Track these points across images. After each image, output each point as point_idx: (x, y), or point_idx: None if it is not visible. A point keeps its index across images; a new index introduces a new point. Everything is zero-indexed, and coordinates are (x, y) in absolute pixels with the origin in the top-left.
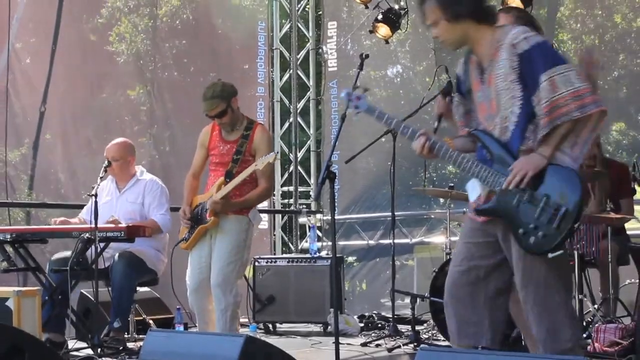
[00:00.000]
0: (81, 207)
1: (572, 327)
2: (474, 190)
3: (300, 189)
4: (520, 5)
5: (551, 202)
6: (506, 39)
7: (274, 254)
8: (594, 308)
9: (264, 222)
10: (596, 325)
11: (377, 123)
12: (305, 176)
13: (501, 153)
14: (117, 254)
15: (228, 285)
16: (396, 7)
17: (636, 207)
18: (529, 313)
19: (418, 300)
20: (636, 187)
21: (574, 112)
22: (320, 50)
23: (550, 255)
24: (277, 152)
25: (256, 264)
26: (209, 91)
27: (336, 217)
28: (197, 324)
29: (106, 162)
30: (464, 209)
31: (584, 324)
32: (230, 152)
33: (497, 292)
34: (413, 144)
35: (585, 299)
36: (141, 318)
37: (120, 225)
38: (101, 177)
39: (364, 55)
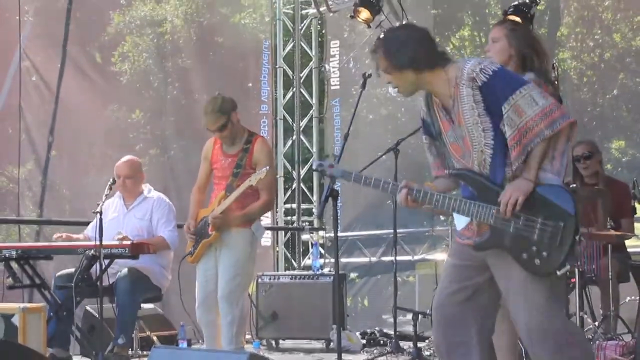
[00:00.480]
0: (86, 224)
1: (579, 344)
2: (461, 219)
3: (303, 206)
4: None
5: (547, 221)
6: (463, 74)
7: (277, 271)
8: (595, 325)
9: (267, 238)
10: (597, 342)
11: (379, 142)
12: (308, 193)
13: (486, 186)
14: (121, 271)
15: (234, 298)
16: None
17: (637, 225)
18: (531, 336)
19: (420, 316)
20: (636, 205)
21: (544, 131)
22: (323, 69)
23: (558, 272)
24: (268, 168)
25: (259, 280)
26: (209, 106)
27: (338, 234)
28: (203, 339)
29: (111, 179)
30: None
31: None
32: (231, 165)
33: (485, 310)
34: (397, 197)
35: (585, 316)
36: (145, 334)
37: (126, 241)
38: (106, 195)
39: (366, 75)
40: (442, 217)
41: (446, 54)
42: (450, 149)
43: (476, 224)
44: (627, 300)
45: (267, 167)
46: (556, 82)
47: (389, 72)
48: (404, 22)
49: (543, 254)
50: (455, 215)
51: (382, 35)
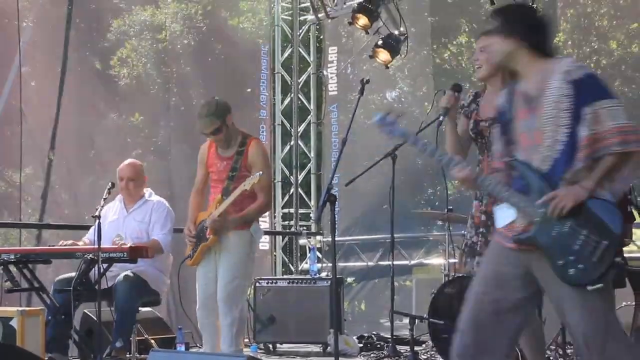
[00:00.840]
0: (86, 228)
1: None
2: (504, 216)
3: (301, 210)
4: None
5: (592, 235)
6: (560, 67)
7: (275, 275)
8: None
9: (265, 242)
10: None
11: (376, 147)
12: (306, 198)
13: (540, 184)
14: (121, 275)
15: (234, 300)
16: (396, 32)
17: (636, 231)
18: (588, 344)
19: (417, 321)
20: (634, 211)
21: (614, 145)
22: (321, 74)
23: (589, 287)
24: (261, 173)
25: (257, 284)
26: (203, 109)
27: (336, 238)
28: (201, 342)
29: (110, 184)
30: (463, 231)
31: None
32: (227, 168)
33: (518, 327)
34: (454, 173)
35: None
36: (143, 338)
37: (123, 245)
38: (105, 199)
39: (364, 81)
40: (439, 222)
41: (556, 50)
42: (519, 137)
43: (522, 224)
44: (622, 305)
45: (260, 172)
46: None
47: (491, 35)
48: (401, 29)
49: (579, 265)
50: (497, 213)
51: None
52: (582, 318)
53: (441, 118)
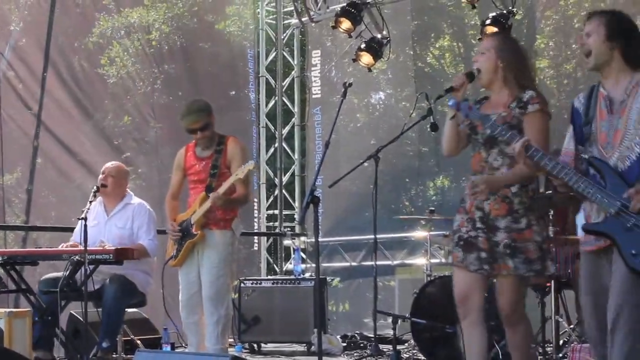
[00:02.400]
0: (71, 230)
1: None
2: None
3: (285, 212)
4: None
5: None
6: None
7: (259, 276)
8: (570, 328)
9: (255, 243)
10: (572, 345)
11: (359, 149)
12: (290, 200)
13: (616, 181)
14: (109, 278)
15: (220, 298)
16: (379, 36)
17: None
18: (616, 333)
19: (399, 320)
20: None
21: None
22: (305, 77)
23: None
24: (255, 160)
25: (242, 285)
26: (193, 105)
27: (320, 239)
28: (187, 340)
29: (95, 187)
30: (445, 232)
31: (560, 343)
32: (207, 168)
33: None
34: (515, 145)
35: (561, 320)
36: (129, 338)
37: (108, 247)
38: (90, 201)
39: (347, 84)
40: (422, 222)
41: None
42: (598, 136)
43: (596, 214)
44: None
45: (255, 160)
46: None
47: (591, 35)
48: (383, 32)
49: None
50: (578, 222)
51: (613, 10)
52: (619, 299)
53: (443, 93)
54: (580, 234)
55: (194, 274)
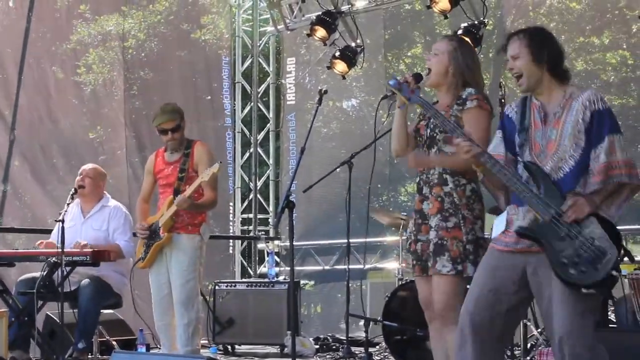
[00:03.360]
0: (48, 232)
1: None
2: (500, 224)
3: (260, 216)
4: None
5: (596, 244)
6: (582, 95)
7: (233, 278)
8: (538, 332)
9: (230, 246)
10: (539, 348)
11: (332, 155)
12: (264, 204)
13: (550, 188)
14: (85, 279)
15: (190, 301)
16: (352, 44)
17: None
18: (562, 345)
19: (371, 323)
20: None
21: (623, 176)
22: (280, 84)
23: (584, 290)
24: (221, 162)
25: (216, 287)
26: (167, 106)
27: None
28: (160, 342)
29: (72, 190)
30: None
31: (528, 347)
32: (175, 171)
33: (509, 329)
34: (459, 142)
35: (529, 324)
36: (105, 339)
37: (86, 249)
38: (68, 203)
39: (322, 91)
40: (393, 229)
41: (569, 76)
42: (532, 144)
43: (527, 220)
44: None
45: (220, 162)
46: (503, 101)
47: (518, 58)
48: (357, 41)
49: (581, 268)
50: (495, 222)
51: (530, 27)
52: (565, 318)
53: (387, 91)
54: (495, 233)
55: (164, 277)
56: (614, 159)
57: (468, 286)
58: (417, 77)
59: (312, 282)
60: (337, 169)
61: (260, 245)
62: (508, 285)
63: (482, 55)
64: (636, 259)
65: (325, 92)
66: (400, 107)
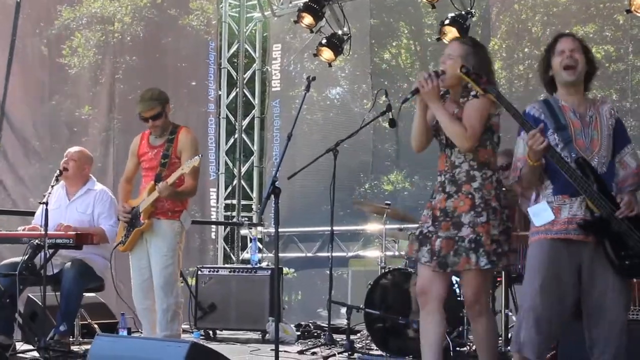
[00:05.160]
0: (30, 214)
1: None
2: (546, 213)
3: (243, 202)
4: (457, 36)
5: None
6: (605, 104)
7: (216, 264)
8: None
9: (212, 232)
10: None
11: (317, 143)
12: (248, 190)
13: (602, 184)
14: (68, 262)
15: (169, 286)
16: (339, 32)
17: None
18: (620, 327)
19: (353, 310)
20: None
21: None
22: (265, 70)
23: (634, 279)
24: (201, 155)
25: (199, 272)
26: (147, 93)
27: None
28: (142, 326)
29: (57, 171)
30: (398, 226)
31: (509, 337)
32: (158, 156)
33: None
34: (529, 132)
35: (510, 314)
36: (86, 322)
37: (69, 232)
38: (52, 186)
39: (310, 78)
40: (374, 215)
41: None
42: (575, 143)
43: (584, 212)
44: None
45: (200, 155)
46: None
47: (577, 52)
48: (344, 29)
49: (635, 260)
50: (535, 211)
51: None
52: (622, 306)
53: (409, 96)
54: (539, 222)
55: (144, 261)
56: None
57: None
58: (439, 74)
59: (293, 270)
60: (321, 157)
61: (243, 232)
62: (572, 276)
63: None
64: None
65: (314, 79)
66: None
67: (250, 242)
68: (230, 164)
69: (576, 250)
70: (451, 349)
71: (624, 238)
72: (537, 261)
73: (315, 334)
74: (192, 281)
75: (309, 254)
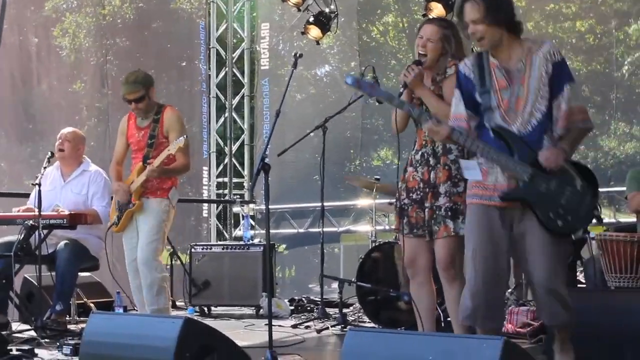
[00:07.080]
0: (24, 195)
1: (569, 308)
2: (475, 171)
3: (235, 180)
4: (443, 12)
5: (575, 190)
6: (541, 49)
7: (209, 241)
8: (508, 292)
9: (204, 210)
10: (510, 307)
11: (306, 120)
12: (239, 168)
13: (522, 147)
14: (63, 242)
15: (151, 261)
16: (327, 10)
17: None
18: (544, 289)
19: (345, 284)
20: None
21: (579, 123)
22: (254, 49)
23: (573, 236)
24: (185, 136)
25: (192, 250)
26: (131, 76)
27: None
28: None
29: (49, 152)
30: (389, 200)
31: None
32: (145, 137)
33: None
34: (430, 125)
35: None
36: (82, 301)
37: (63, 212)
38: (45, 167)
39: (297, 54)
40: (365, 190)
41: (522, 28)
42: (499, 103)
43: (507, 180)
44: None
45: (185, 136)
46: None
47: (479, 23)
48: (331, 7)
49: (568, 217)
50: (465, 167)
51: None
52: (547, 264)
53: (402, 90)
54: (466, 176)
55: (135, 240)
56: (572, 105)
57: None
58: (418, 63)
59: (284, 246)
60: (311, 133)
61: (236, 209)
62: (506, 241)
63: (454, 20)
64: (605, 221)
65: (301, 55)
66: (399, 95)
67: (243, 219)
68: (222, 143)
69: (506, 214)
70: (442, 319)
71: (555, 197)
72: (469, 227)
73: (309, 308)
74: (185, 258)
75: (301, 230)
